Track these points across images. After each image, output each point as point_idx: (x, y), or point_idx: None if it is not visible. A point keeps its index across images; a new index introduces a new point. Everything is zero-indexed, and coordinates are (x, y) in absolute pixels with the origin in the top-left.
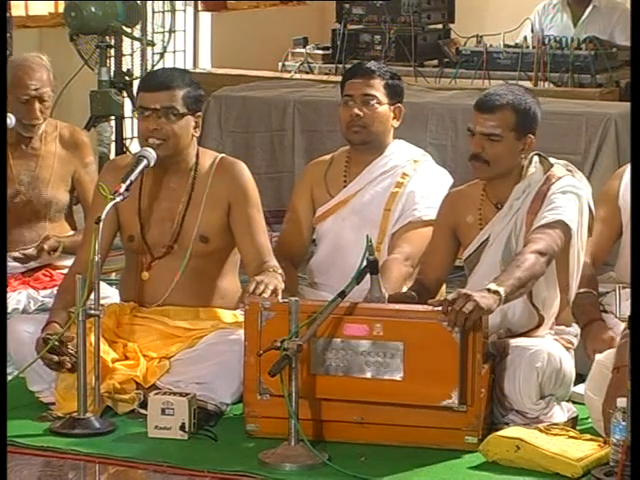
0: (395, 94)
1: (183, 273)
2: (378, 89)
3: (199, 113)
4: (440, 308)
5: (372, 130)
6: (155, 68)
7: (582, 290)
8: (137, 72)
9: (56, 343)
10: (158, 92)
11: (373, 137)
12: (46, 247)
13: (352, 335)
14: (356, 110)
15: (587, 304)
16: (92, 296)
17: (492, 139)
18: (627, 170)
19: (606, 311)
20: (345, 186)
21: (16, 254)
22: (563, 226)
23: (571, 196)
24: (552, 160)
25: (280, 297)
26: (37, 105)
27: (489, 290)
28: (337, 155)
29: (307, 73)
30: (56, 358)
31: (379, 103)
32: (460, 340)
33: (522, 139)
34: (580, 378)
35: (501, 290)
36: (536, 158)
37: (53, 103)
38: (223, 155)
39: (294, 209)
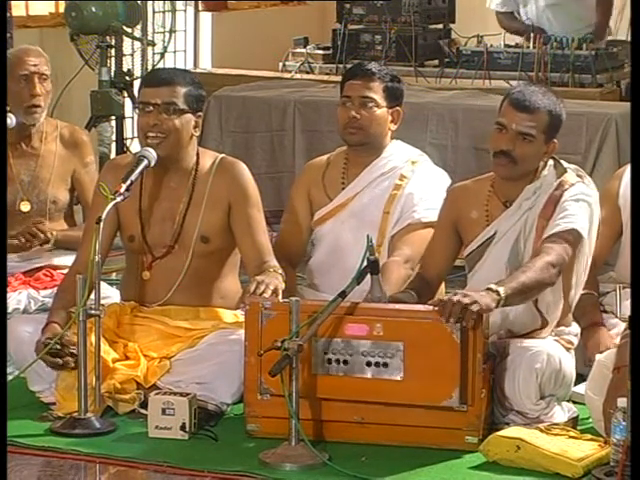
0: (394, 97)
1: (187, 274)
2: (377, 92)
3: (200, 113)
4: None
5: (369, 132)
6: (156, 68)
7: (583, 291)
8: (137, 72)
9: (57, 347)
10: (160, 87)
11: (370, 139)
12: (41, 235)
13: (352, 335)
14: (353, 112)
15: (588, 305)
16: (92, 296)
17: (525, 138)
18: (627, 170)
19: (606, 311)
20: (343, 188)
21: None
22: (575, 234)
23: (583, 204)
24: (564, 164)
25: (280, 297)
26: (37, 82)
27: (489, 289)
28: (334, 156)
29: (308, 73)
30: (60, 361)
31: (377, 106)
32: (461, 340)
33: (548, 142)
34: (580, 378)
35: (501, 290)
36: (551, 161)
37: (53, 103)
38: (223, 155)
39: (292, 210)
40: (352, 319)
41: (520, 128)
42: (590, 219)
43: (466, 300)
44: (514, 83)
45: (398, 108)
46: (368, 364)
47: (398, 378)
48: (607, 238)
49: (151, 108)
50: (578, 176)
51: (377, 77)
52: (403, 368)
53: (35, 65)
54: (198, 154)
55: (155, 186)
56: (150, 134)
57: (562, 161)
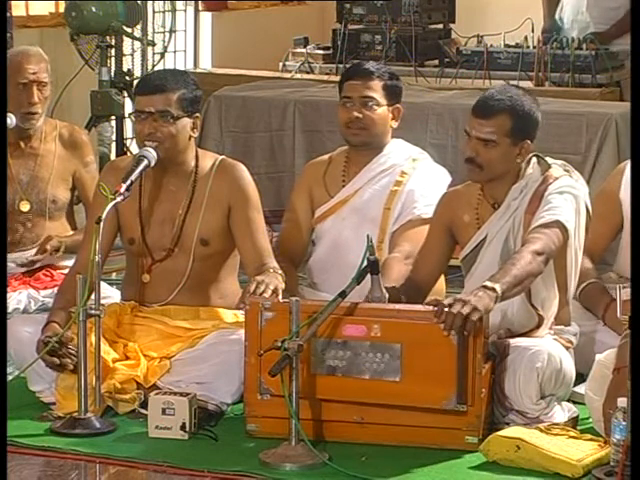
0: (394, 95)
1: (188, 277)
2: (377, 90)
3: (197, 114)
4: (436, 308)
5: (371, 132)
6: (156, 68)
7: (586, 282)
8: (138, 72)
9: (56, 345)
10: (152, 95)
11: (372, 138)
12: (49, 247)
13: (350, 336)
14: (355, 113)
15: (598, 292)
16: (92, 296)
17: (487, 144)
18: (629, 165)
19: None
20: (344, 186)
21: (20, 261)
22: (560, 226)
23: (568, 196)
24: (550, 160)
25: (280, 297)
26: (35, 90)
27: (485, 287)
28: (336, 155)
29: (308, 73)
30: (57, 361)
31: (378, 105)
32: (458, 341)
33: (518, 144)
34: (580, 378)
35: (497, 287)
36: (534, 159)
37: (53, 103)
38: (223, 157)
39: (293, 209)
40: (350, 320)
41: (480, 134)
42: (576, 211)
43: (466, 310)
44: (514, 83)
45: (398, 105)
46: (366, 365)
47: (396, 380)
48: (604, 235)
49: (146, 116)
50: (565, 171)
51: (376, 76)
52: (400, 370)
53: (34, 73)
54: (197, 156)
55: (154, 188)
56: (147, 142)
57: (547, 158)
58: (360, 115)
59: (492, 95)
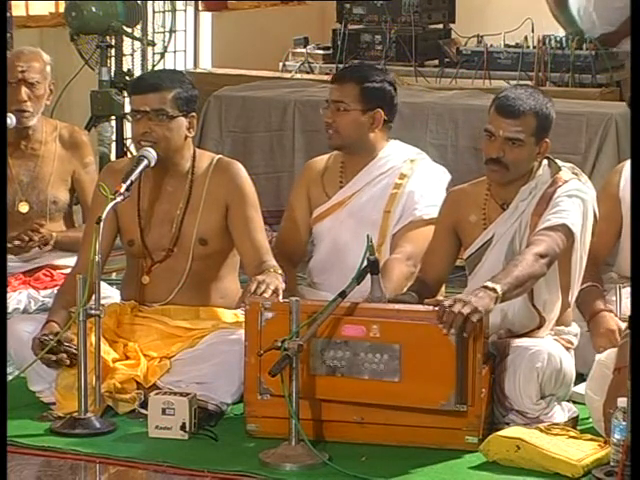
0: (374, 99)
1: (187, 277)
2: (348, 95)
3: (193, 113)
4: (437, 308)
5: (343, 135)
6: (156, 68)
7: (585, 285)
8: (138, 72)
9: (54, 344)
10: (147, 94)
11: (346, 143)
12: (36, 238)
13: (349, 336)
14: (326, 117)
15: (592, 298)
16: (93, 296)
17: (515, 143)
18: (627, 164)
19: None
20: (341, 187)
21: (9, 245)
22: (566, 229)
23: (576, 200)
24: (559, 163)
25: (281, 297)
26: (24, 89)
27: (486, 288)
28: (334, 156)
29: (308, 73)
30: (53, 357)
31: (348, 109)
32: (457, 342)
33: (539, 143)
34: (580, 378)
35: (498, 287)
36: (545, 161)
37: (53, 103)
38: (220, 156)
39: (291, 208)
40: (349, 320)
41: (507, 134)
42: (584, 215)
43: (467, 310)
44: (514, 83)
45: (379, 110)
46: (365, 365)
47: (395, 380)
48: (609, 234)
49: (141, 115)
50: (573, 174)
51: (352, 80)
52: (400, 370)
53: (23, 72)
54: (195, 156)
55: (153, 190)
56: (142, 142)
57: (557, 160)
58: (329, 120)
59: (517, 95)
